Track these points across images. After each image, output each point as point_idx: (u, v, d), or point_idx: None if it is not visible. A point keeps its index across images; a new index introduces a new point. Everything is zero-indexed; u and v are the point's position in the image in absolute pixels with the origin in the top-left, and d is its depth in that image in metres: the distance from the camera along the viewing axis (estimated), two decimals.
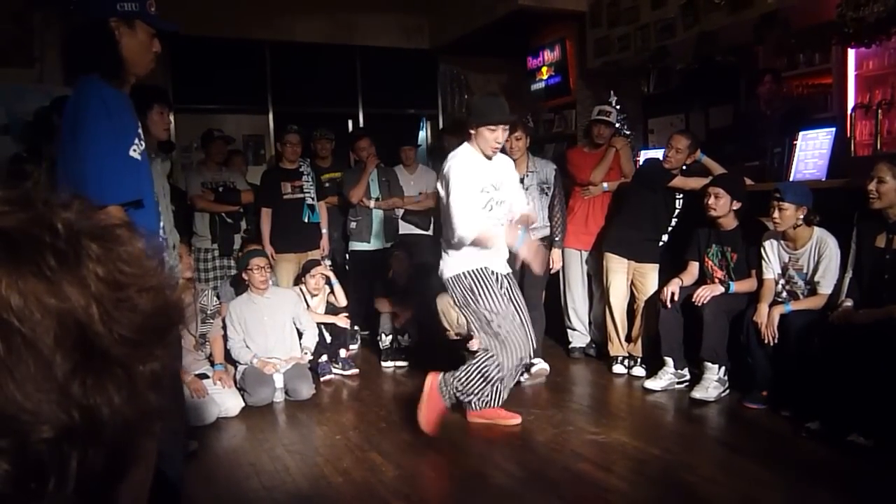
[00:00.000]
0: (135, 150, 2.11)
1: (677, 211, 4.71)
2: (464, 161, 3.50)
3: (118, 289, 0.44)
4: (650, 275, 4.67)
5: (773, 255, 3.92)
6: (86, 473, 0.41)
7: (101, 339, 0.42)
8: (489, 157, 3.53)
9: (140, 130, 2.19)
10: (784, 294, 3.88)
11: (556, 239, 4.85)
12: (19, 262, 0.41)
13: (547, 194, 4.80)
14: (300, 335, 4.75)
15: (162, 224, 2.28)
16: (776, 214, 3.71)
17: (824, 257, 3.68)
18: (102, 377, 0.42)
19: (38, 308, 0.40)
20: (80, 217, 0.46)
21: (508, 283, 3.62)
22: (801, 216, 3.69)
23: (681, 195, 4.67)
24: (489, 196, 3.51)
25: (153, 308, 0.46)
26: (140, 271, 0.46)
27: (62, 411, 0.40)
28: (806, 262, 3.78)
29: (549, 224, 4.83)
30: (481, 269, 3.50)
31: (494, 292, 3.49)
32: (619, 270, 4.72)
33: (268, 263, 4.73)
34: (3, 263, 0.41)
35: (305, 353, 4.66)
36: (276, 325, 4.60)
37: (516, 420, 3.73)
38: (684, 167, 4.66)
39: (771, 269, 3.92)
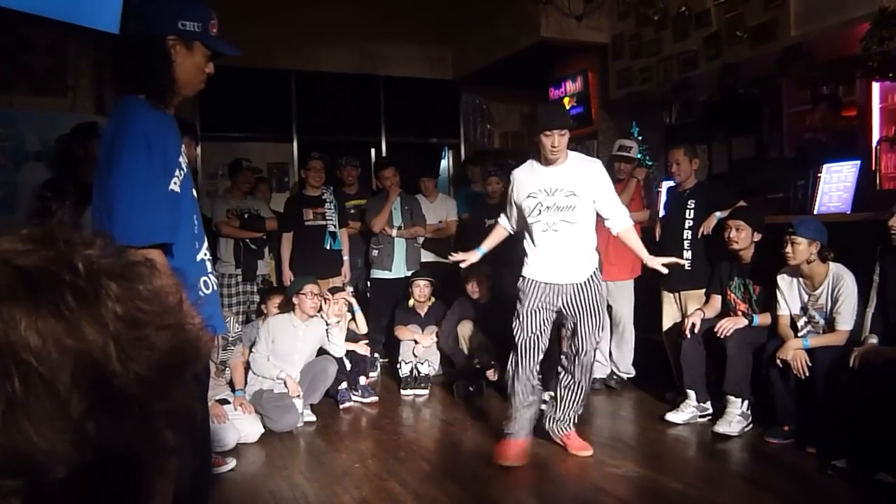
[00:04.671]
0: (175, 182, 1.93)
1: (689, 223, 4.61)
2: (517, 173, 3.72)
3: (136, 327, 0.44)
4: (692, 300, 4.58)
5: (788, 291, 3.88)
6: None
7: (118, 378, 0.42)
8: (551, 162, 3.55)
9: (182, 158, 2.00)
10: (806, 331, 3.83)
11: None
12: (39, 303, 0.42)
13: None
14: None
15: (199, 245, 2.10)
16: (789, 249, 3.69)
17: (841, 293, 3.64)
18: (118, 416, 0.42)
19: (56, 348, 0.41)
20: (101, 255, 0.46)
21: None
22: (815, 251, 3.66)
23: (692, 206, 4.60)
24: (536, 201, 3.55)
25: (171, 346, 0.46)
26: (159, 309, 0.47)
27: (77, 451, 0.40)
28: (825, 301, 3.74)
29: None
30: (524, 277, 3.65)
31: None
32: (670, 303, 4.72)
33: (321, 291, 4.77)
34: (23, 303, 0.41)
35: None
36: (306, 352, 4.65)
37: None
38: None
39: (785, 306, 3.88)
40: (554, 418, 3.81)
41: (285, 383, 4.41)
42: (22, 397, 0.39)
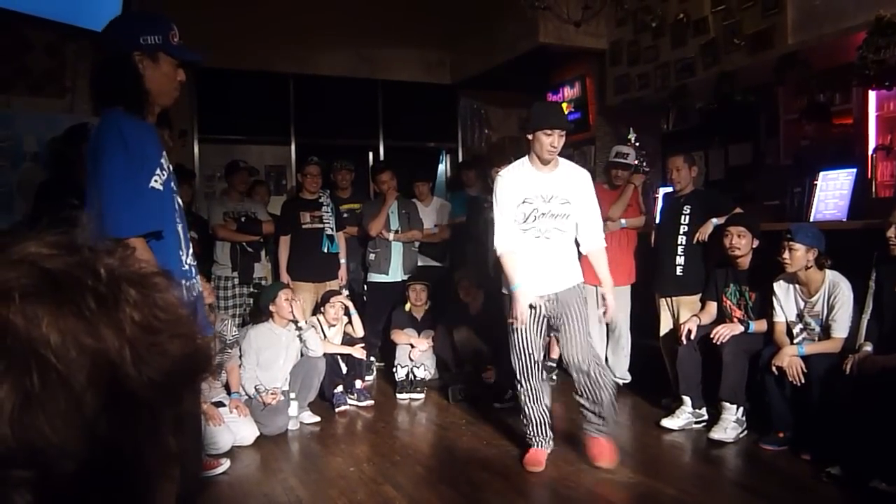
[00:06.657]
0: (156, 181, 2.08)
1: (684, 229, 4.61)
2: (507, 175, 3.53)
3: (152, 333, 0.46)
4: (685, 306, 4.60)
5: (784, 298, 3.89)
6: None
7: (131, 380, 0.44)
8: (546, 163, 3.47)
9: (164, 160, 2.14)
10: (801, 338, 3.84)
11: None
12: (61, 302, 0.43)
13: None
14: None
15: (185, 251, 2.22)
16: (786, 255, 3.70)
17: (837, 301, 3.65)
18: (128, 417, 0.43)
19: (74, 346, 0.42)
20: (122, 263, 0.48)
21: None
22: (812, 258, 3.68)
23: (688, 212, 4.63)
24: (532, 207, 3.44)
25: (183, 354, 0.48)
26: (173, 318, 0.48)
27: (87, 447, 0.41)
28: (821, 308, 3.75)
29: None
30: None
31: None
32: (664, 309, 4.73)
33: (295, 296, 4.77)
34: (46, 302, 0.43)
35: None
36: (290, 357, 4.66)
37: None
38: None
39: (781, 313, 3.89)
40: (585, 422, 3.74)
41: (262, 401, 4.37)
42: (38, 391, 0.40)
